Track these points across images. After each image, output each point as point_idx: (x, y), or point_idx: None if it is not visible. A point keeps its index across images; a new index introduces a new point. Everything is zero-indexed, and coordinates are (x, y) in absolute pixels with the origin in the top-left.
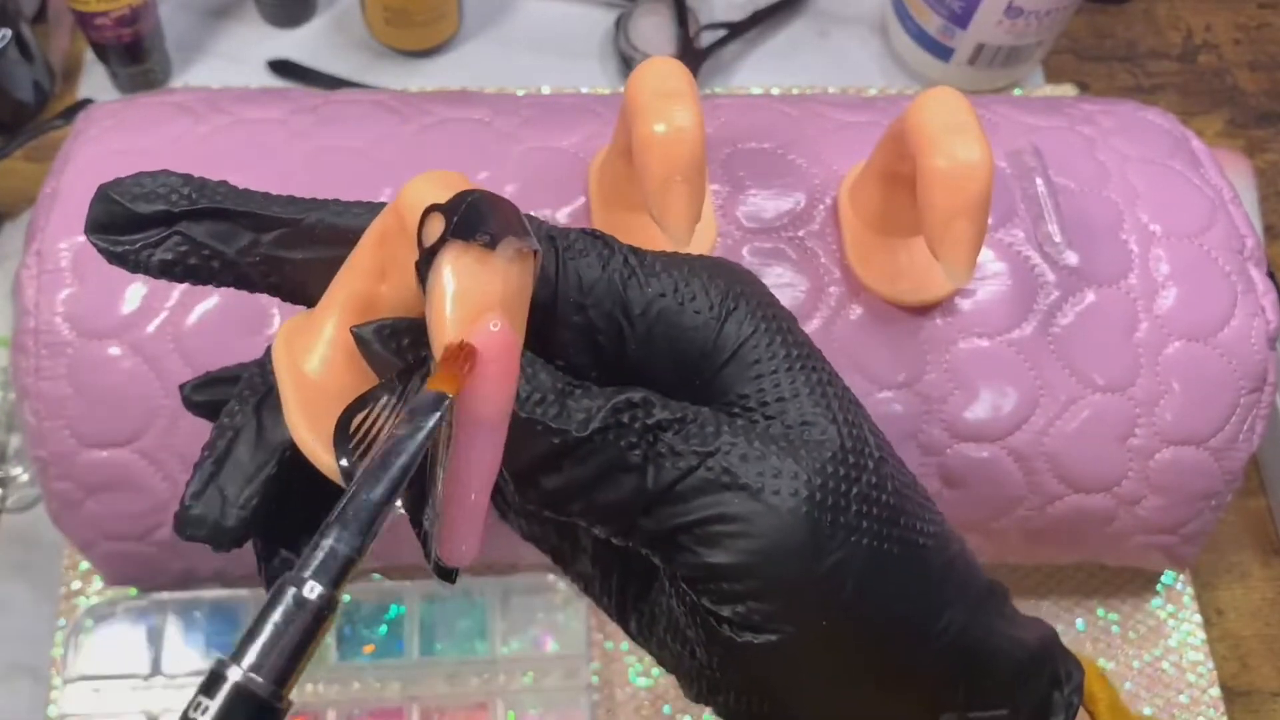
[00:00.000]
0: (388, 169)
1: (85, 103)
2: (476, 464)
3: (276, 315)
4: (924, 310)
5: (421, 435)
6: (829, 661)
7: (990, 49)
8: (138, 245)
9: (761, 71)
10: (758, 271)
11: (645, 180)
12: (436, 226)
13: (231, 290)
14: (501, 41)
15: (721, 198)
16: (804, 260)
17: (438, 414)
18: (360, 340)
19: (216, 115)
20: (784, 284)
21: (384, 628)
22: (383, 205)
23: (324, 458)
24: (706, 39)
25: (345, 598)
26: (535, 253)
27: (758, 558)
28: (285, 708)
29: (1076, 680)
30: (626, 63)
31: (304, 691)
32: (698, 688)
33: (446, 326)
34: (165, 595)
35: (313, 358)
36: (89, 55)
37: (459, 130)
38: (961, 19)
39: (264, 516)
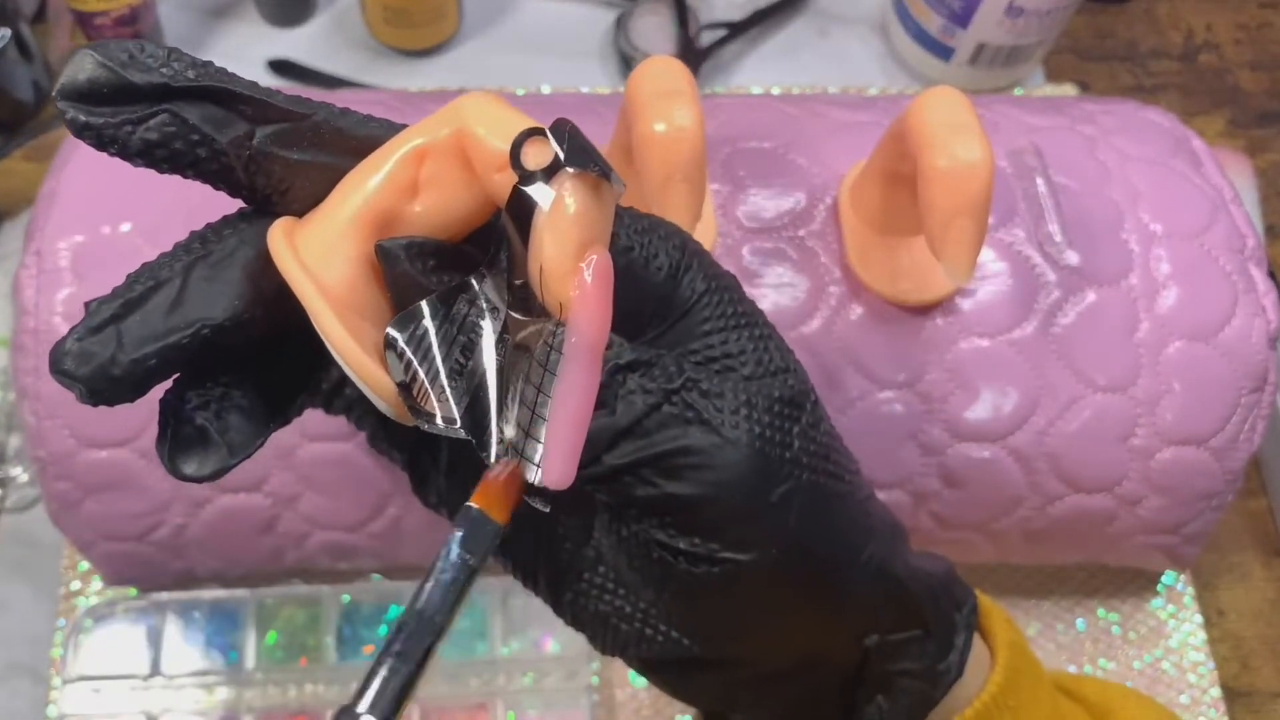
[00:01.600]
0: None
1: None
2: (583, 384)
3: None
4: (925, 310)
5: (462, 572)
6: (773, 591)
7: (991, 48)
8: (119, 119)
9: (762, 71)
10: (758, 271)
11: (645, 179)
12: (545, 152)
13: None
14: (501, 41)
15: (722, 197)
16: (804, 260)
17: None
18: (388, 255)
19: None
20: (784, 283)
21: (384, 628)
22: (403, 125)
23: (375, 373)
24: (707, 38)
25: (344, 598)
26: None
27: (716, 488)
28: None
29: (972, 603)
30: (626, 62)
31: (303, 692)
32: (624, 637)
33: (565, 254)
34: (164, 595)
35: (330, 268)
36: None
37: None
38: (962, 18)
39: (149, 386)
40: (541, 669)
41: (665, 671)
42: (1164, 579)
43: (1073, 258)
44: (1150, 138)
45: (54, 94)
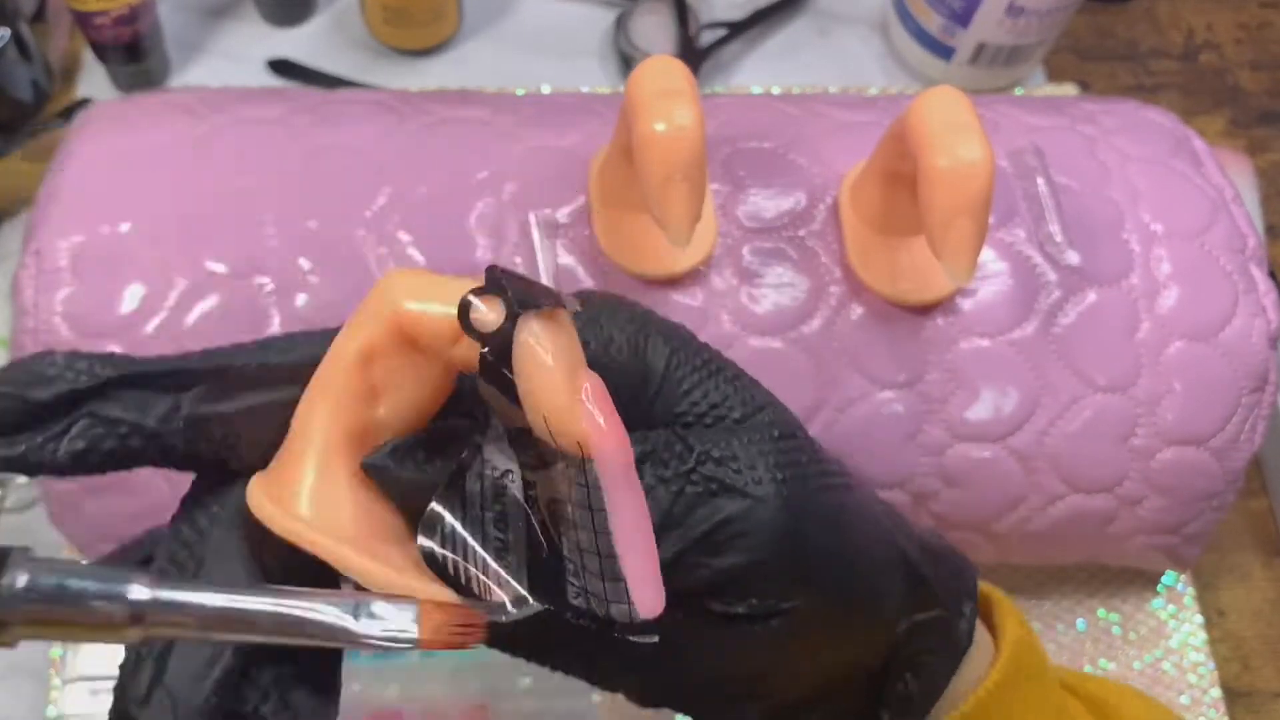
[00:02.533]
0: (387, 168)
1: (84, 102)
2: (634, 505)
3: (276, 316)
4: (925, 310)
5: None
6: (829, 617)
7: (991, 48)
8: (42, 440)
9: (762, 71)
10: (759, 271)
11: (645, 179)
12: (495, 308)
13: (232, 290)
14: (501, 41)
15: (722, 197)
16: (805, 260)
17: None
18: (379, 472)
19: (215, 114)
20: (784, 283)
21: None
22: (331, 331)
23: (429, 592)
24: (707, 38)
25: None
26: (571, 306)
27: (762, 550)
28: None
29: (971, 571)
30: (627, 62)
31: None
32: (669, 696)
33: (561, 393)
34: None
35: (332, 512)
36: (88, 54)
37: (459, 130)
38: (963, 18)
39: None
40: (541, 671)
41: (707, 713)
42: (1164, 579)
43: (1073, 257)
44: (1151, 137)
45: None
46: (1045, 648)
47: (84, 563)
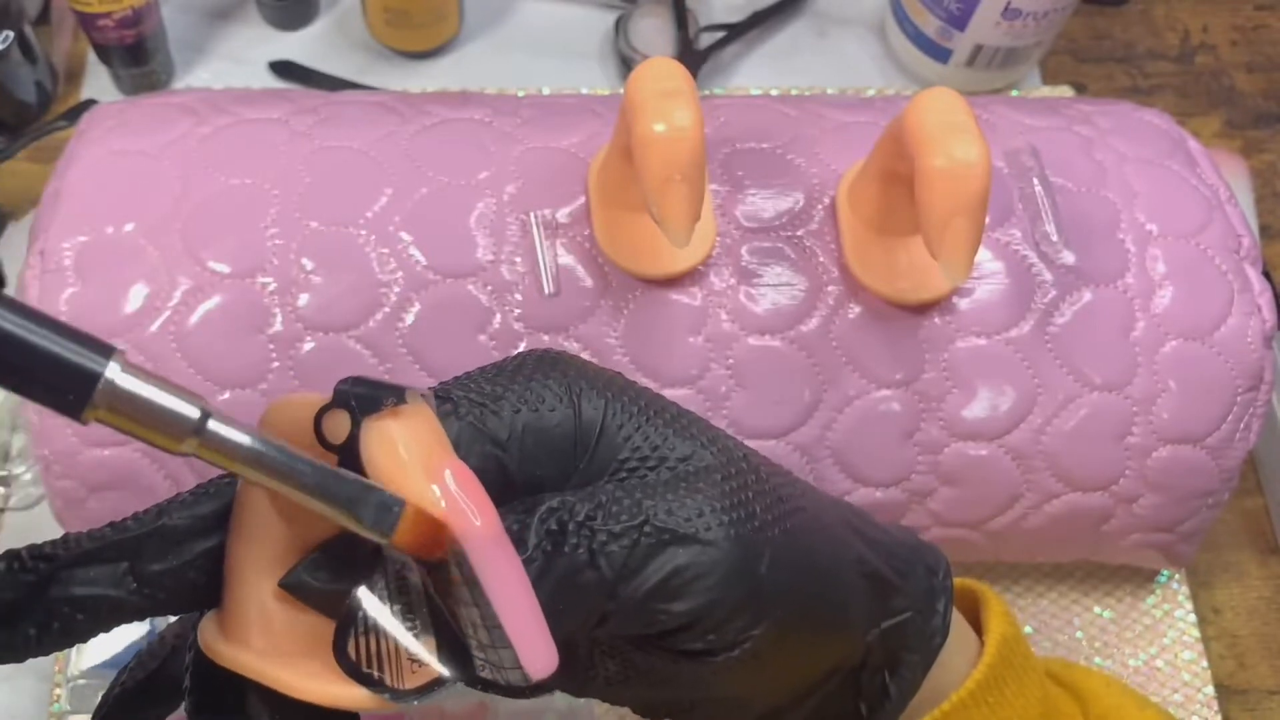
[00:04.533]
0: (388, 169)
1: (88, 104)
2: (506, 572)
3: (278, 313)
4: (922, 309)
5: None
6: (787, 642)
7: (988, 50)
8: (18, 640)
9: (760, 72)
10: (757, 271)
11: (645, 180)
12: (342, 420)
13: (234, 290)
14: (502, 43)
15: (720, 197)
16: (803, 259)
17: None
18: (299, 588)
19: (218, 116)
20: (783, 283)
21: None
22: (229, 484)
23: (353, 693)
24: (706, 40)
25: None
26: (424, 395)
27: (715, 591)
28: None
29: (944, 565)
30: (626, 64)
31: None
32: (658, 710)
33: (413, 482)
34: None
35: (265, 636)
36: (92, 56)
37: (459, 130)
38: (959, 20)
39: None
40: None
41: None
42: (1160, 577)
43: (1069, 257)
44: (1146, 138)
45: None
46: (1041, 645)
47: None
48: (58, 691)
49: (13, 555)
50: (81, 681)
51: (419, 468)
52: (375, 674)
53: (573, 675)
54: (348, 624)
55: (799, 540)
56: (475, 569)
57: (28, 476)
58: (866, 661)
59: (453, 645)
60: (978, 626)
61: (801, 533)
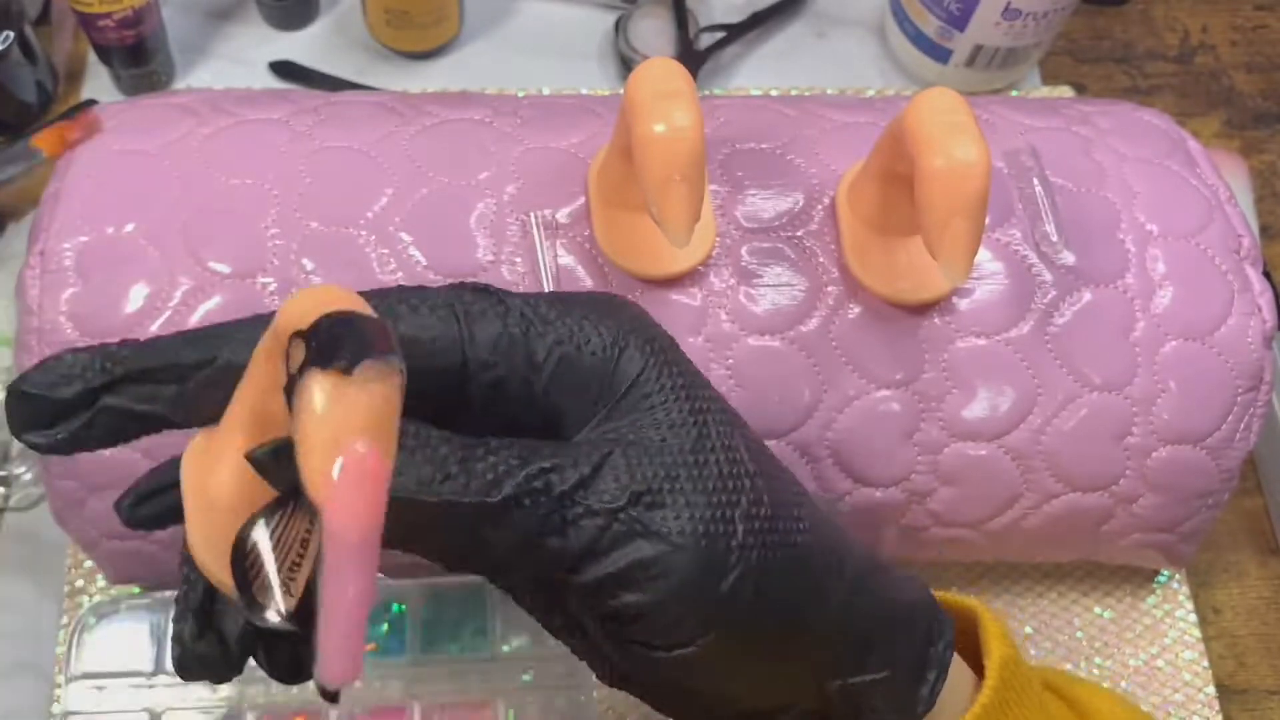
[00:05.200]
0: (389, 170)
1: (89, 104)
2: (344, 586)
3: None
4: (922, 309)
5: None
6: (731, 658)
7: (988, 50)
8: (72, 432)
9: (760, 73)
10: (757, 271)
11: (645, 180)
12: (299, 353)
13: (235, 290)
14: (502, 43)
15: (720, 198)
16: (802, 260)
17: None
18: (257, 464)
19: (219, 116)
20: (782, 284)
21: (385, 626)
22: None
23: (221, 577)
24: (705, 41)
25: None
26: (400, 371)
27: (671, 593)
28: None
29: (948, 638)
30: (626, 64)
31: (306, 689)
32: (610, 680)
33: (316, 451)
34: (168, 593)
35: (216, 477)
36: (92, 57)
37: (459, 131)
38: (959, 21)
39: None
40: (543, 667)
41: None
42: (1160, 577)
43: (1069, 257)
44: (1146, 139)
45: (15, 436)
46: (1041, 645)
47: None
48: (58, 691)
49: (88, 353)
50: (82, 682)
51: (323, 443)
52: (251, 580)
53: (586, 652)
54: (258, 519)
55: (775, 571)
56: (324, 564)
57: (28, 476)
58: (831, 711)
59: (305, 599)
60: (975, 645)
61: (782, 565)
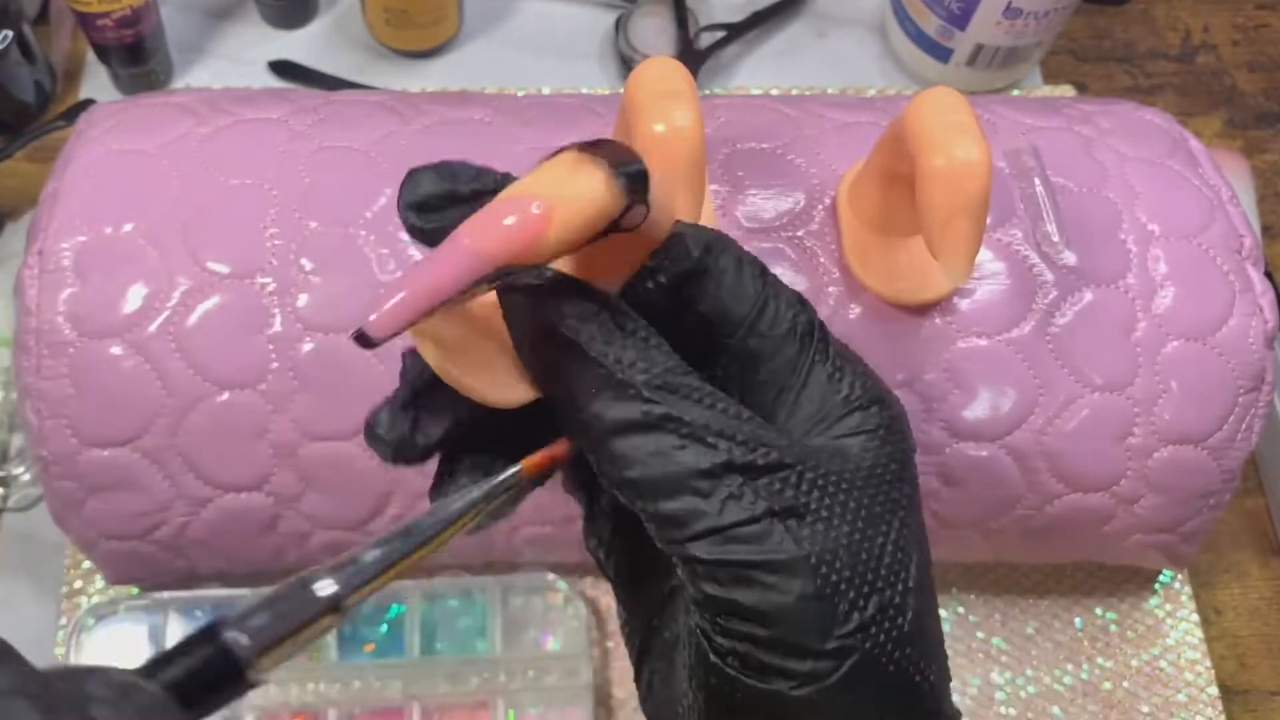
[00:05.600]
0: (388, 169)
1: (87, 103)
2: (438, 266)
3: (277, 314)
4: (923, 310)
5: (472, 497)
6: (807, 713)
7: (989, 50)
8: (443, 224)
9: (761, 72)
10: None
11: None
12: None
13: (234, 291)
14: (502, 42)
15: (721, 197)
16: (803, 260)
17: (498, 484)
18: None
19: (218, 116)
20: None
21: (384, 627)
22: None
23: (498, 396)
24: (706, 40)
25: None
26: (623, 192)
27: (777, 611)
28: (252, 678)
29: None
30: (626, 64)
31: (305, 690)
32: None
33: (513, 190)
34: (166, 594)
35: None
36: (91, 56)
37: (459, 130)
38: (960, 20)
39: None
40: (542, 667)
41: None
42: (1161, 578)
43: (1070, 258)
44: (1147, 138)
45: (403, 208)
46: (1043, 646)
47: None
48: None
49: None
50: None
51: (521, 188)
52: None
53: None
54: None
55: (877, 678)
56: (438, 249)
57: (27, 477)
58: None
59: None
60: None
61: (890, 679)
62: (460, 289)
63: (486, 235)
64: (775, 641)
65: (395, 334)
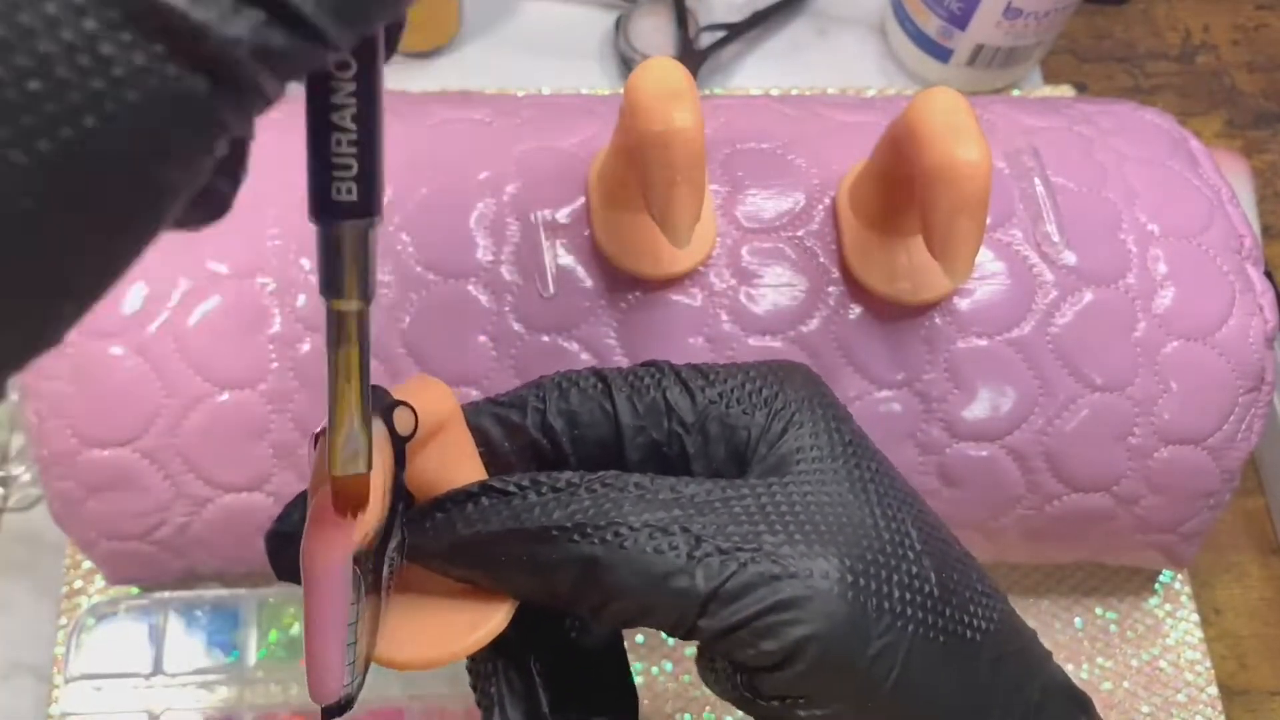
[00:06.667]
0: (387, 169)
1: None
2: (325, 605)
3: (277, 315)
4: (923, 310)
5: None
6: None
7: (989, 50)
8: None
9: (761, 72)
10: (757, 271)
11: (645, 181)
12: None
13: (232, 290)
14: (502, 43)
15: (721, 198)
16: (803, 260)
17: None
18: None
19: None
20: (783, 284)
21: None
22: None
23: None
24: (706, 40)
25: None
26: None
27: (809, 642)
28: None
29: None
30: (626, 64)
31: (304, 691)
32: None
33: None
34: (167, 594)
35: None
36: None
37: (459, 131)
38: (960, 20)
39: None
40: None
41: None
42: (1161, 577)
43: (1070, 258)
44: (1148, 138)
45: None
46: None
47: None
48: (56, 692)
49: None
50: (81, 683)
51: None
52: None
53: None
54: (375, 542)
55: (933, 654)
56: (304, 585)
57: (26, 477)
58: None
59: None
60: None
61: (944, 650)
62: (347, 600)
63: (309, 552)
64: (810, 673)
65: (345, 686)
